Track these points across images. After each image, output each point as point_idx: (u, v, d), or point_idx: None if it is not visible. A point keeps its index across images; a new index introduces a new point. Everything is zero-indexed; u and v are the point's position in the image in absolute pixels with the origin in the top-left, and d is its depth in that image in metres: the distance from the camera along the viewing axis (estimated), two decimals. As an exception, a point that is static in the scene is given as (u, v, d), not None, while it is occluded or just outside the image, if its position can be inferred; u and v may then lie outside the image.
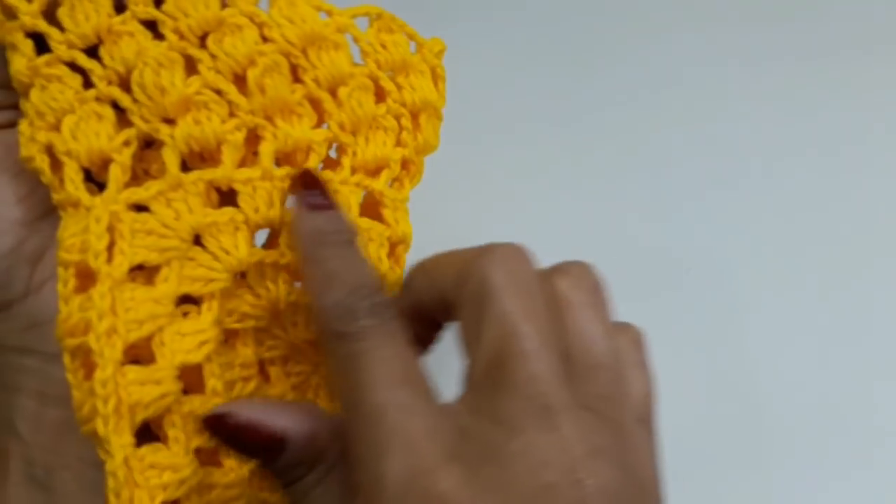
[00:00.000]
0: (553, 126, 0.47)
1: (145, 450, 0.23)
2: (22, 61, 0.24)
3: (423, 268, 0.26)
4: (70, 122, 0.24)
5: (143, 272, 0.24)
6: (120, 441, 0.22)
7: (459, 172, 0.39)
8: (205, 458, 0.24)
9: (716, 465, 0.41)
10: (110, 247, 0.23)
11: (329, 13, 0.27)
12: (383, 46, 0.28)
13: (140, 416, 0.23)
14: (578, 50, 0.49)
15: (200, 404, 0.24)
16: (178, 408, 0.24)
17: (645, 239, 0.45)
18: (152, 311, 0.24)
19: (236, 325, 0.26)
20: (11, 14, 0.24)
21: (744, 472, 0.41)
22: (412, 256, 0.28)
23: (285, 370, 0.27)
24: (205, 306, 0.25)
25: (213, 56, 0.25)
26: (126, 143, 0.24)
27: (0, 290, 0.25)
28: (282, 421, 0.23)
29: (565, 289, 0.23)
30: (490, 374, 0.22)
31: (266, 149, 0.26)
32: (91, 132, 0.24)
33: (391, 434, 0.21)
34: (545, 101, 0.47)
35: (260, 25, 0.26)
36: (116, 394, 0.22)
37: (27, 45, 0.24)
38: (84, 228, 0.23)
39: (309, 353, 0.28)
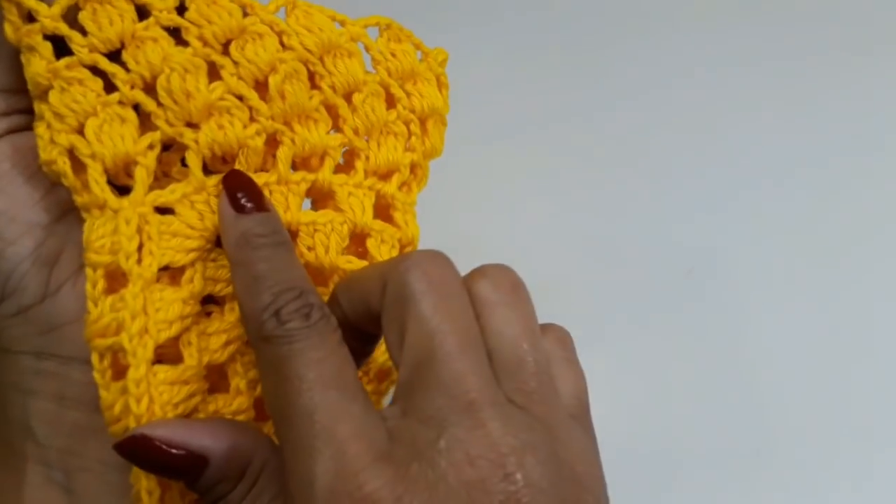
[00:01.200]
0: (554, 127, 0.47)
1: None
2: (41, 64, 0.24)
3: (347, 282, 0.26)
4: (94, 125, 0.24)
5: (167, 273, 0.25)
6: None
7: (462, 174, 0.39)
8: None
9: (715, 465, 0.41)
10: (139, 248, 0.24)
11: (342, 23, 0.28)
12: (393, 55, 0.29)
13: (171, 416, 0.23)
14: (579, 51, 0.49)
15: (224, 403, 0.25)
16: (205, 407, 0.24)
17: (646, 240, 0.45)
18: (180, 311, 0.24)
19: None
20: (30, 17, 0.25)
21: (743, 473, 0.41)
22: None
23: None
24: (227, 307, 0.25)
25: (236, 62, 0.26)
26: (150, 147, 0.25)
27: (17, 295, 0.25)
28: (201, 439, 0.22)
29: (484, 290, 0.23)
30: (415, 376, 0.22)
31: (284, 153, 0.27)
32: (116, 135, 0.24)
33: (319, 437, 0.21)
34: (546, 103, 0.48)
35: (279, 34, 0.27)
36: (149, 393, 0.23)
37: (47, 48, 0.24)
38: (113, 230, 0.24)
39: None
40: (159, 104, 0.25)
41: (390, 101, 0.29)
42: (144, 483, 0.23)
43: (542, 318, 0.43)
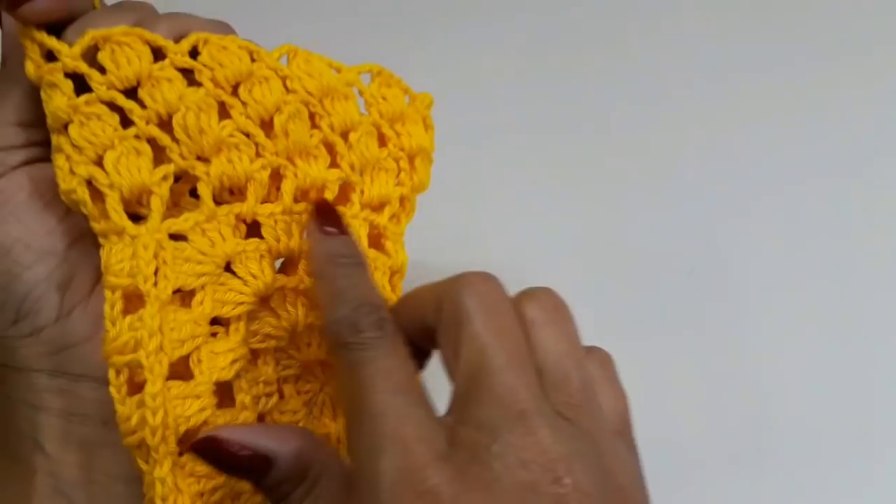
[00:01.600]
0: (556, 127, 0.48)
1: (186, 458, 0.25)
2: (62, 99, 0.26)
3: (404, 301, 0.28)
4: (112, 157, 0.26)
5: (179, 295, 0.27)
6: (168, 449, 0.25)
7: (462, 173, 0.40)
8: None
9: (716, 464, 0.41)
10: (155, 272, 0.26)
11: (339, 70, 0.31)
12: (384, 98, 0.32)
13: (183, 428, 0.25)
14: (580, 50, 0.50)
15: (232, 417, 0.27)
16: (214, 420, 0.26)
17: (647, 240, 0.46)
18: (192, 331, 0.26)
19: (260, 345, 0.28)
20: (51, 56, 0.26)
21: (744, 472, 0.41)
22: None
23: (297, 388, 0.30)
24: (233, 327, 0.27)
25: (244, 103, 0.28)
26: (164, 178, 0.27)
27: (32, 316, 0.26)
28: (268, 442, 0.25)
29: (532, 310, 0.25)
30: (470, 387, 0.24)
31: (287, 186, 0.29)
32: (133, 167, 0.26)
33: (387, 436, 0.23)
34: (548, 102, 0.49)
35: (283, 78, 0.29)
36: (164, 406, 0.25)
37: (68, 85, 0.26)
38: (132, 255, 0.25)
39: (318, 372, 0.30)
40: (173, 139, 0.27)
41: (382, 140, 0.32)
42: (159, 489, 0.24)
43: None
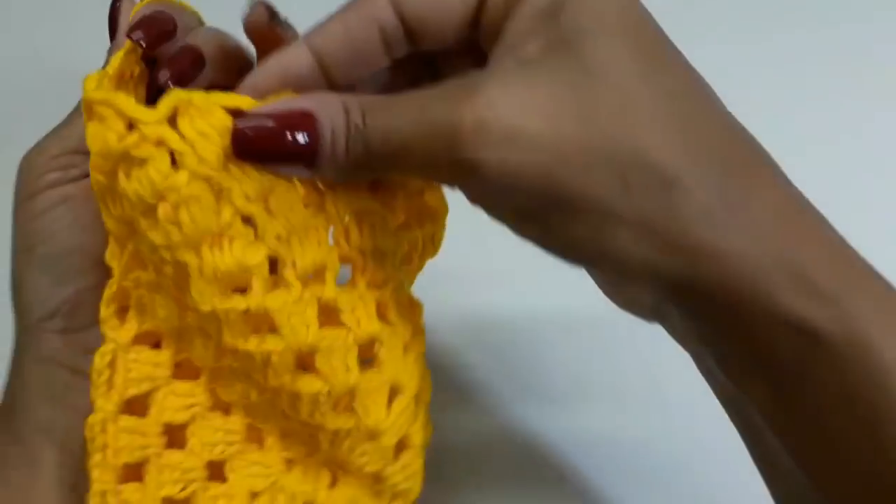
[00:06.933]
0: None
1: (124, 487, 0.27)
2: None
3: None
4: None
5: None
6: (101, 477, 0.27)
7: None
8: None
9: (718, 464, 0.39)
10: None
11: (237, 113, 0.24)
12: None
13: (123, 460, 0.27)
14: None
15: (180, 460, 0.28)
16: (157, 459, 0.27)
17: None
18: (150, 373, 0.27)
19: (227, 398, 0.29)
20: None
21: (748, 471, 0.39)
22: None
23: (283, 443, 0.29)
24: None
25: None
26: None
27: (68, 317, 0.28)
28: (299, 103, 0.24)
29: None
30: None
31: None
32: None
33: None
34: None
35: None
36: (104, 437, 0.26)
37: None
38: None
39: (306, 438, 0.29)
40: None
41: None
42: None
43: (544, 317, 0.41)
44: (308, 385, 0.26)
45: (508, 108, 0.22)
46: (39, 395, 0.28)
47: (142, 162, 0.23)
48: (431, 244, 0.30)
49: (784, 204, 0.24)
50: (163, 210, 0.23)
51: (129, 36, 0.26)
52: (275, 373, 0.26)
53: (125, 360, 0.27)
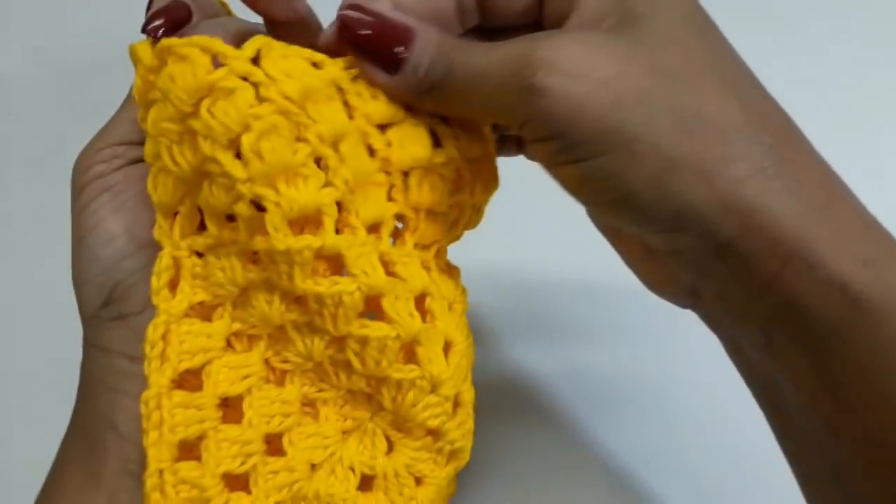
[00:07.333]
0: None
1: (181, 465, 0.26)
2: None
3: None
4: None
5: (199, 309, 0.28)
6: (158, 455, 0.26)
7: None
8: (232, 484, 0.27)
9: (722, 464, 0.40)
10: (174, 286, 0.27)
11: (320, 64, 0.26)
12: (373, 97, 0.27)
13: (179, 436, 0.26)
14: None
15: (238, 434, 0.27)
16: (214, 434, 0.27)
17: None
18: (204, 344, 0.27)
19: (283, 366, 0.28)
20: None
21: (754, 472, 0.40)
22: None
23: (340, 412, 0.29)
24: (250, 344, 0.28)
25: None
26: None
27: (122, 303, 0.28)
28: (408, 19, 0.26)
29: None
30: None
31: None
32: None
33: None
34: None
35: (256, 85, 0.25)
36: (160, 413, 0.26)
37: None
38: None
39: (364, 402, 0.29)
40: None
41: (370, 150, 0.27)
42: (147, 489, 0.26)
43: (544, 317, 0.41)
44: (377, 329, 0.27)
45: (580, 52, 0.24)
46: (100, 385, 0.28)
47: (230, 92, 0.24)
48: (476, 214, 0.31)
49: (823, 173, 0.25)
50: (247, 139, 0.24)
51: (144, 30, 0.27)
52: (345, 317, 0.26)
53: (178, 332, 0.27)
